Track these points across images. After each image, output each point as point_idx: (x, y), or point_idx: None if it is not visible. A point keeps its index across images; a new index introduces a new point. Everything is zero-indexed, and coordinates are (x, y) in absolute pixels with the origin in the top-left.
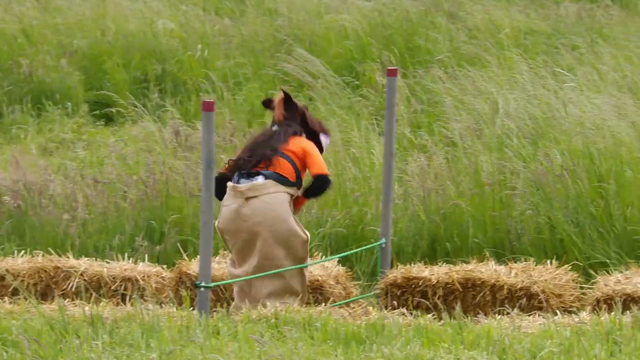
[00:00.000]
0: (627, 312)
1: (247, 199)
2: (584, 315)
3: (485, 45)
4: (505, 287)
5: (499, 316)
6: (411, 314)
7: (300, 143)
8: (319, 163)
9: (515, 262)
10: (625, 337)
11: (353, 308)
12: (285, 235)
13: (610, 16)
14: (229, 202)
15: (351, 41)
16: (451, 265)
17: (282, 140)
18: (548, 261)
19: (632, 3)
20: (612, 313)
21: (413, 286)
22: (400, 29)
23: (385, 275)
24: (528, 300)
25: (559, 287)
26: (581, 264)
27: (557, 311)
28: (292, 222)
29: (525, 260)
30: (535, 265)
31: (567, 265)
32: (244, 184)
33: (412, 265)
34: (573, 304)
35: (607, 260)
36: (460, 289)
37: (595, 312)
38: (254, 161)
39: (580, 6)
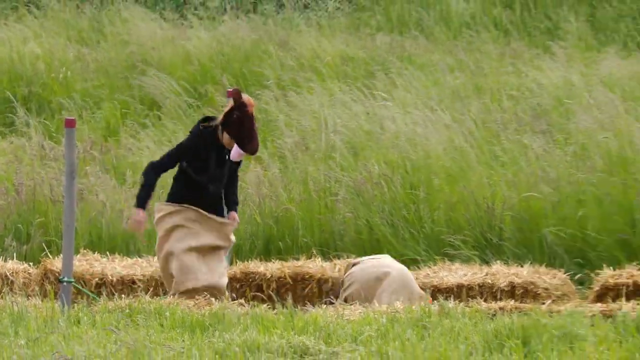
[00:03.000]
0: (435, 301)
1: None
2: (398, 304)
3: (311, 71)
4: (330, 280)
5: (325, 306)
6: (249, 304)
7: None
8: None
9: (339, 259)
10: (433, 323)
11: (198, 299)
12: None
13: (417, 45)
14: None
15: (194, 66)
16: (283, 262)
17: None
18: None
19: (434, 35)
20: (422, 302)
21: (250, 280)
22: (237, 56)
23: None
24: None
25: None
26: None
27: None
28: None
29: (347, 257)
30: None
31: None
32: None
33: (249, 262)
34: None
35: (418, 257)
36: (291, 282)
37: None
38: None
39: (392, 37)
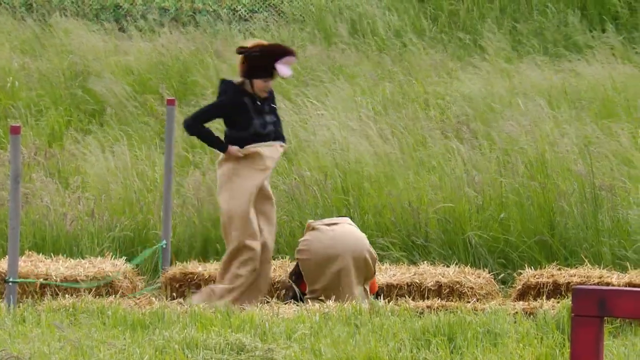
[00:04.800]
0: (365, 299)
1: None
2: (330, 303)
3: None
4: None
5: (260, 305)
6: (187, 303)
7: None
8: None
9: (274, 259)
10: (364, 321)
11: (139, 299)
12: None
13: (347, 57)
14: None
15: (134, 77)
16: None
17: None
18: None
19: (363, 46)
20: (353, 301)
21: (189, 280)
22: (175, 67)
23: (166, 271)
24: (285, 291)
25: None
26: None
27: (308, 300)
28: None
29: (283, 258)
30: (291, 262)
31: None
32: None
33: (188, 262)
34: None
35: None
36: None
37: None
38: None
39: (322, 49)
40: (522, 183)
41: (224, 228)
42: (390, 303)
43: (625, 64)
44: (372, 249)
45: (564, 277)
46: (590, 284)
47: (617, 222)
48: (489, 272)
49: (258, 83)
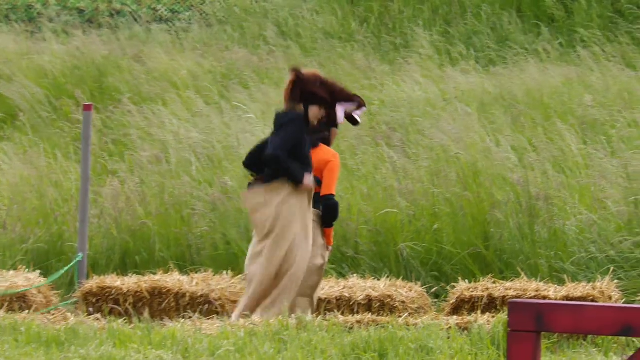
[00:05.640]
0: (292, 314)
1: None
2: (255, 318)
3: (167, 84)
4: (188, 294)
5: (183, 320)
6: (105, 319)
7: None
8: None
9: (196, 272)
10: (291, 337)
11: (54, 314)
12: None
13: (273, 60)
14: None
15: (49, 80)
16: (140, 276)
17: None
18: (224, 272)
19: (290, 49)
20: (280, 316)
21: (107, 294)
22: (91, 70)
23: (82, 285)
24: (207, 306)
25: (234, 294)
26: None
27: (232, 315)
28: None
29: (205, 271)
30: (214, 275)
31: (240, 275)
32: None
33: (106, 276)
34: None
35: None
36: (148, 297)
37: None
38: None
39: (247, 51)
40: (455, 193)
41: (270, 283)
42: (319, 318)
43: (562, 68)
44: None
45: (499, 290)
46: (527, 298)
47: (554, 233)
48: (422, 286)
49: (314, 110)
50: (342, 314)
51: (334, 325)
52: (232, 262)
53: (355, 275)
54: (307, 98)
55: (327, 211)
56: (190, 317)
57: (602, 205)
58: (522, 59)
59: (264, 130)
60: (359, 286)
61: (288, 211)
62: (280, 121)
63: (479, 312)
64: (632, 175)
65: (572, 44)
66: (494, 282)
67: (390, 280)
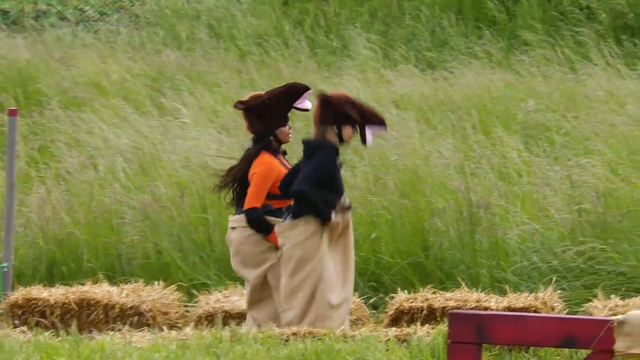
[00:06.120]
0: (226, 327)
1: None
2: (188, 330)
3: (95, 88)
4: (117, 306)
5: (112, 332)
6: (31, 331)
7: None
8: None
9: (126, 283)
10: (224, 350)
11: None
12: None
13: (206, 63)
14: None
15: None
16: (68, 287)
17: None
18: (156, 282)
19: (224, 53)
20: (213, 328)
21: (33, 306)
22: (14, 75)
23: (7, 297)
24: (138, 318)
25: (166, 306)
26: (185, 285)
27: (164, 327)
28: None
29: (135, 282)
30: (145, 286)
31: (172, 286)
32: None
33: (32, 287)
34: (178, 321)
35: (209, 282)
36: (77, 308)
37: (198, 327)
38: None
39: (179, 54)
40: (393, 201)
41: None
42: (254, 329)
43: (504, 72)
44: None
45: (439, 301)
46: (468, 309)
47: (496, 242)
48: (359, 296)
49: (347, 131)
50: (277, 325)
51: (269, 337)
52: (164, 272)
53: None
54: (339, 119)
55: (251, 226)
56: (119, 330)
57: (545, 213)
58: (463, 63)
59: (195, 137)
60: None
61: (313, 247)
62: (310, 150)
63: (418, 323)
64: (576, 182)
65: (514, 47)
66: (433, 293)
67: None
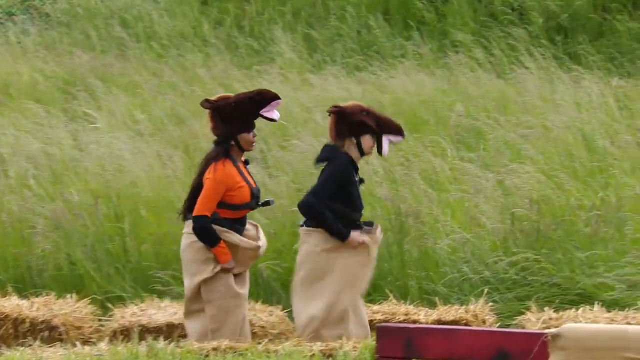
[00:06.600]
0: (143, 342)
1: None
2: (103, 346)
3: (2, 91)
4: (28, 320)
5: (22, 348)
6: None
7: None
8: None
9: (37, 296)
10: None
11: None
12: None
13: (121, 65)
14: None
15: None
16: None
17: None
18: (68, 295)
19: (139, 54)
20: (129, 343)
21: None
22: None
23: None
24: (50, 333)
25: (79, 320)
26: (100, 298)
27: (77, 342)
28: None
29: (47, 295)
30: (57, 299)
31: (86, 299)
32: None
33: None
34: (92, 336)
35: (124, 294)
36: None
37: (113, 342)
38: None
39: (92, 56)
40: None
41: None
42: (172, 345)
43: (433, 75)
44: None
45: (366, 314)
46: (396, 322)
47: (425, 253)
48: (283, 310)
49: (367, 140)
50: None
51: (188, 352)
52: (77, 284)
53: None
54: (356, 130)
55: (196, 234)
56: (30, 345)
57: (477, 222)
58: (391, 65)
59: (110, 143)
60: None
61: (327, 261)
62: (323, 157)
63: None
64: (509, 190)
65: (445, 48)
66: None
67: (249, 303)
